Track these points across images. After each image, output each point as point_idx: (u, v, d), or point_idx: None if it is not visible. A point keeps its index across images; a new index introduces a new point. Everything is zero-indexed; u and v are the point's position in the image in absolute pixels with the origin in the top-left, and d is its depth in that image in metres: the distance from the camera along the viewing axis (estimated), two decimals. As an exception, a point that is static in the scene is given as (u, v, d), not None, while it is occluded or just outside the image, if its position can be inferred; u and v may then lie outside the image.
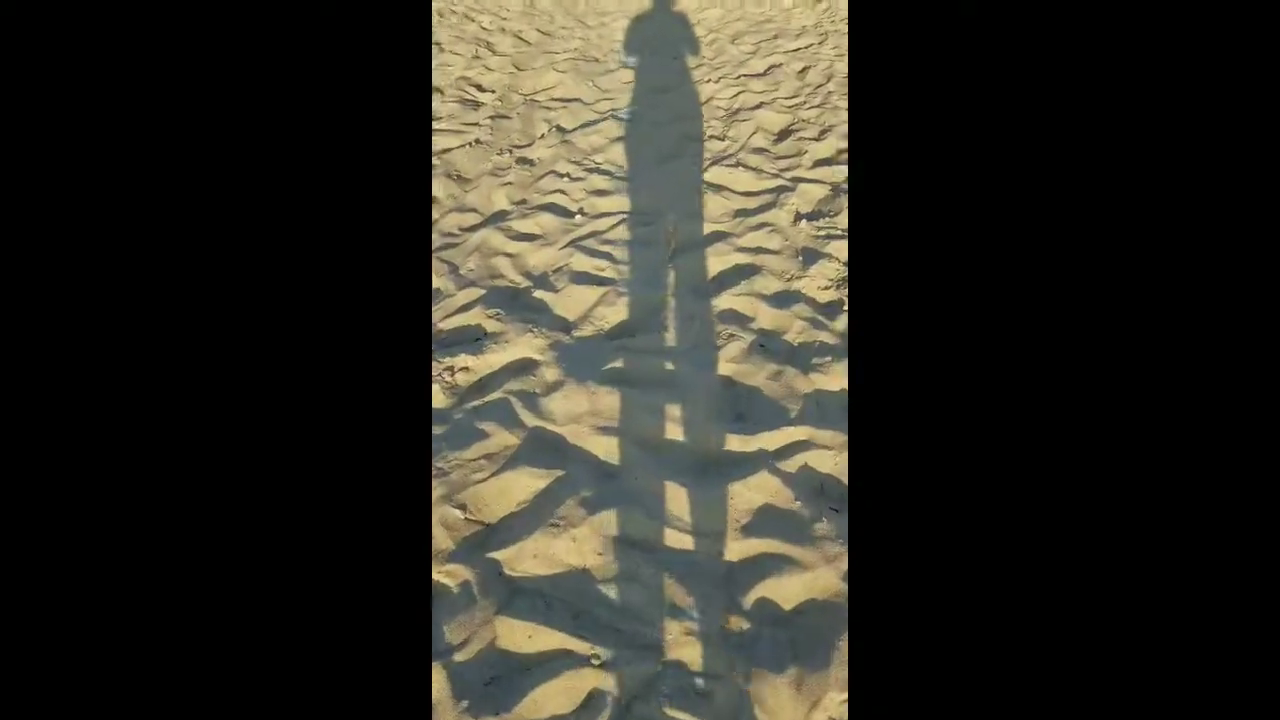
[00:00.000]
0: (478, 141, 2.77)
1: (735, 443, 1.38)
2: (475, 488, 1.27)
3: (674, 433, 1.41)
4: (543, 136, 2.83)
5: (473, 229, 2.21)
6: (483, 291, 1.90)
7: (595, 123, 2.92)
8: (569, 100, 3.15)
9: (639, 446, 1.37)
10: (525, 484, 1.28)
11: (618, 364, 1.60)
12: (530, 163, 2.62)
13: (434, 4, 4.52)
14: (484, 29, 4.11)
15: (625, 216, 2.26)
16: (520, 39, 3.94)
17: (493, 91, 3.26)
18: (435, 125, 2.90)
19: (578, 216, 2.27)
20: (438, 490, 1.28)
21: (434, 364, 1.60)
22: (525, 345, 1.67)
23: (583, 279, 1.94)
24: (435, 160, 2.62)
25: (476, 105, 3.11)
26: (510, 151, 2.69)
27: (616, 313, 1.81)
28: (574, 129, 2.89)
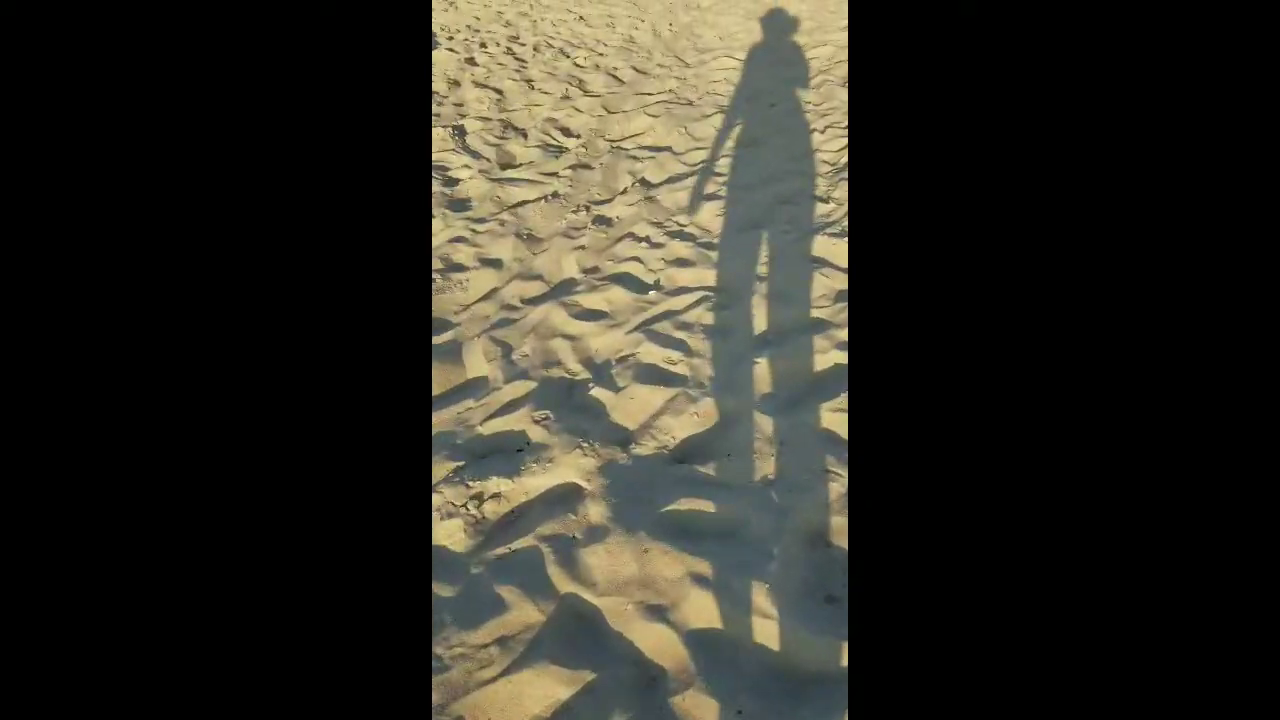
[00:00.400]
0: (555, 195, 2.57)
1: (820, 647, 1.05)
2: (478, 693, 1.00)
3: (742, 622, 1.09)
4: (625, 191, 2.59)
5: (535, 301, 1.99)
6: (534, 385, 1.65)
7: (683, 177, 2.65)
8: (658, 149, 2.91)
9: (694, 644, 1.06)
10: (544, 691, 1.00)
11: (679, 505, 1.30)
12: (608, 222, 2.38)
13: (530, 39, 4.44)
14: (577, 65, 3.97)
15: (707, 295, 1.96)
16: (614, 77, 3.76)
17: (578, 136, 3.07)
18: (514, 174, 2.73)
19: (652, 293, 2.00)
20: (433, 696, 1.02)
21: (463, 487, 1.35)
22: (572, 465, 1.41)
23: (650, 375, 1.66)
24: (508, 216, 2.44)
25: (560, 151, 2.92)
26: (588, 209, 2.47)
27: (685, 425, 1.51)
28: (659, 183, 2.64)
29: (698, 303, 1.94)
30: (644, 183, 2.65)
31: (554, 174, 2.73)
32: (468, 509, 1.30)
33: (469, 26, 4.82)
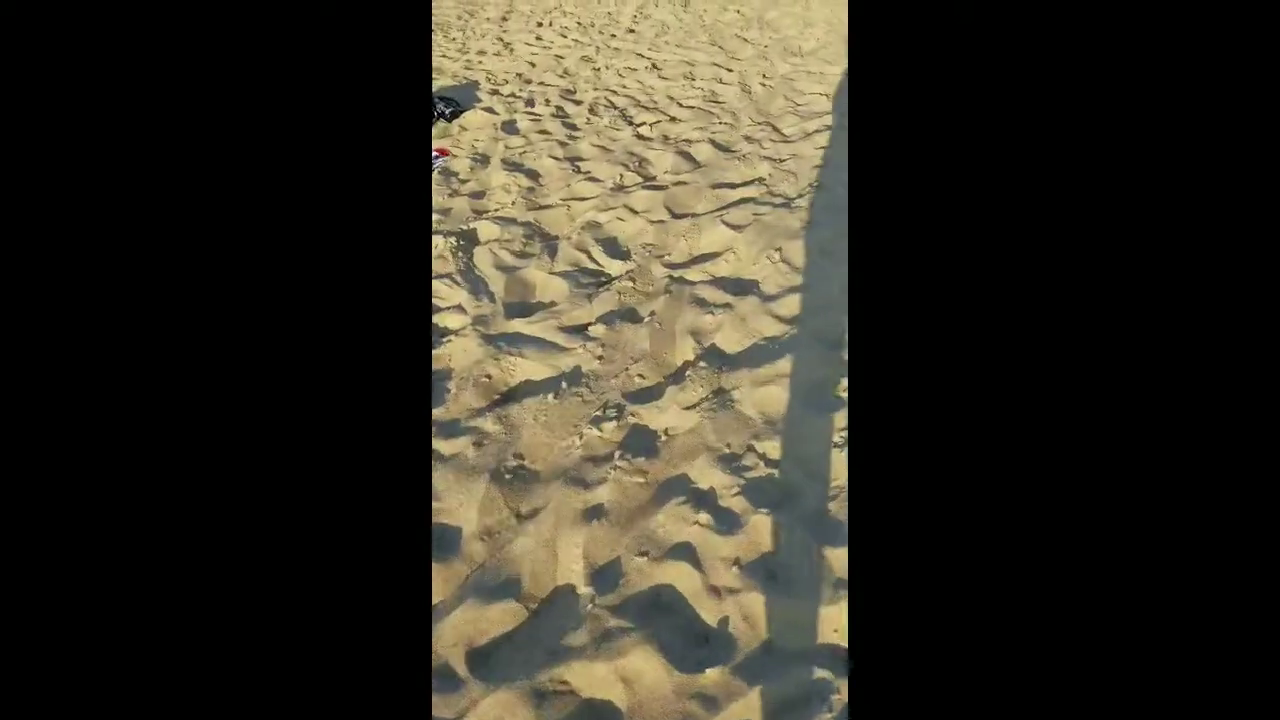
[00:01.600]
0: (576, 375, 1.66)
1: None
2: None
3: None
4: (685, 370, 1.65)
5: (492, 666, 1.07)
6: None
7: (777, 352, 1.69)
8: (738, 287, 1.96)
9: None
10: None
11: None
12: (649, 447, 1.45)
13: (589, 94, 3.60)
14: (641, 137, 3.08)
15: (824, 683, 0.99)
16: (686, 156, 2.85)
17: (626, 256, 2.16)
18: (524, 326, 1.85)
19: (711, 671, 1.04)
20: None
21: None
22: None
23: None
24: (492, 423, 1.54)
25: (597, 284, 2.02)
26: (619, 411, 1.54)
27: None
28: (737, 355, 1.68)
29: (808, 702, 0.97)
30: (714, 355, 1.70)
31: (581, 330, 1.83)
32: None
33: (520, 76, 4.05)
